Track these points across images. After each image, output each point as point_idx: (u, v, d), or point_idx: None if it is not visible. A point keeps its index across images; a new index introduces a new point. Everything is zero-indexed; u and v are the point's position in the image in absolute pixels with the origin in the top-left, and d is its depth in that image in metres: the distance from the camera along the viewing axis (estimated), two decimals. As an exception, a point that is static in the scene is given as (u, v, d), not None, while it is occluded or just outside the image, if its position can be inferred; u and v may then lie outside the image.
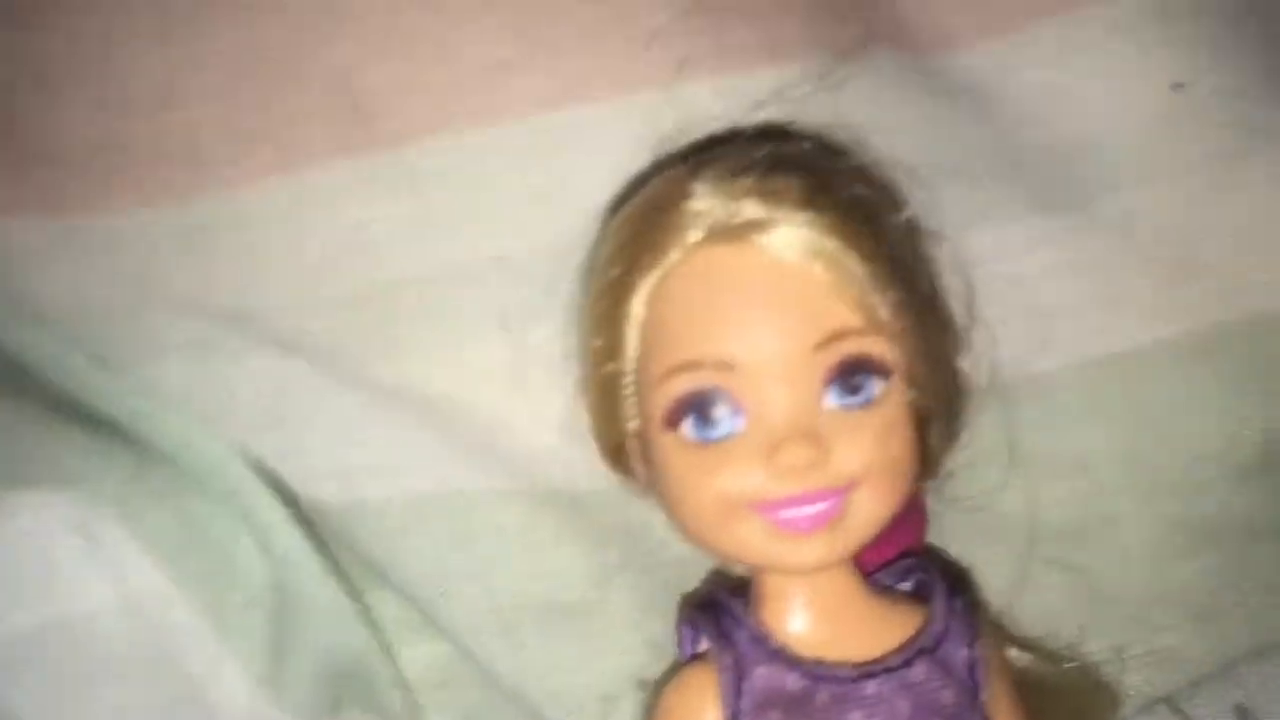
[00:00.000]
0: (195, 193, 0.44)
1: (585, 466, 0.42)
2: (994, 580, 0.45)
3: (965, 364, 0.41)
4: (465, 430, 0.44)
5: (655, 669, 0.42)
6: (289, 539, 0.44)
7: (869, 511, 0.35)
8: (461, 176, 0.43)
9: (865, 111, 0.42)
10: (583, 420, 0.41)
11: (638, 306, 0.36)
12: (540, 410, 0.43)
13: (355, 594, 0.46)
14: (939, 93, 0.45)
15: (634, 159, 0.41)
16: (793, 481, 0.34)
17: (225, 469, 0.44)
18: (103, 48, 0.44)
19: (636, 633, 0.44)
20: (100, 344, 0.45)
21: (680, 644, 0.39)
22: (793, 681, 0.36)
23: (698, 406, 0.35)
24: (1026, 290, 0.45)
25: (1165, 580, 0.46)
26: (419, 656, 0.47)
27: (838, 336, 0.35)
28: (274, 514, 0.44)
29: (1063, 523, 0.45)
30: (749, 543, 0.35)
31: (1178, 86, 0.44)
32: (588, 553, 0.44)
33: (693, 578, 0.43)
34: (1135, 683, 0.46)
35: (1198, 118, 0.45)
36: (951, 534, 0.44)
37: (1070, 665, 0.44)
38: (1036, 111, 0.45)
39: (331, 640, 0.44)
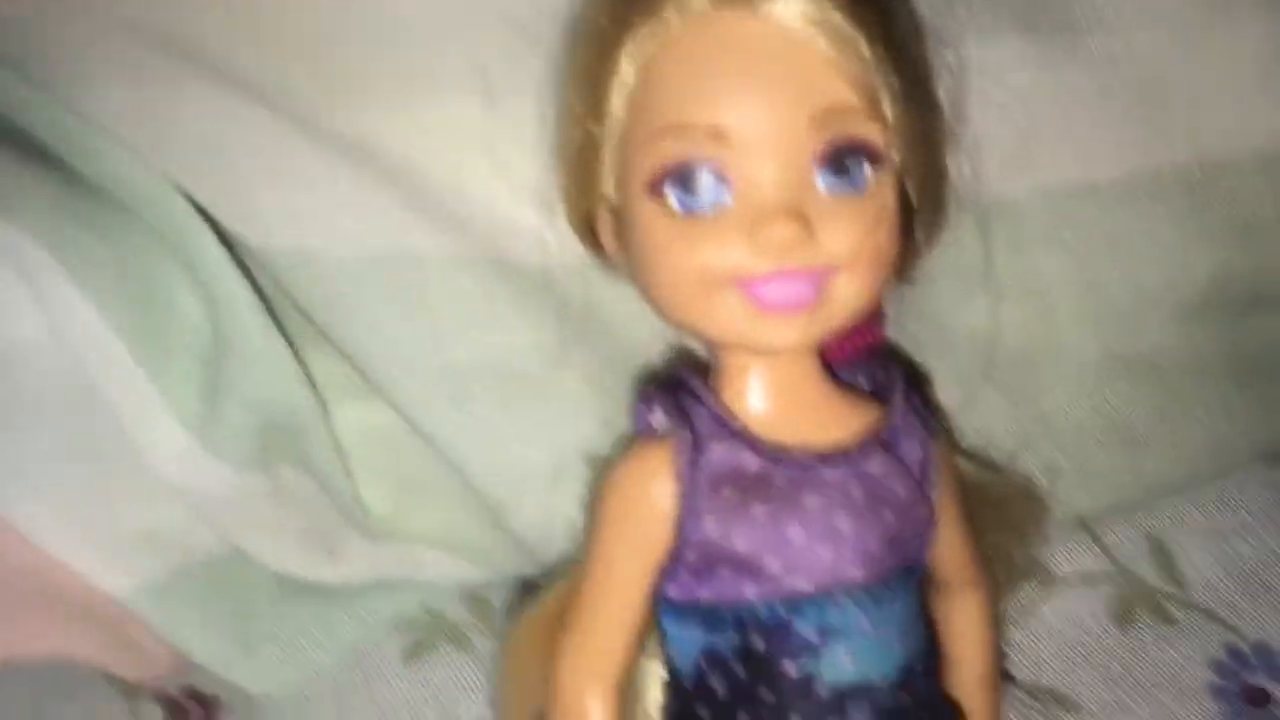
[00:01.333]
0: None
1: (549, 237, 0.41)
2: (943, 392, 0.46)
3: (952, 168, 0.40)
4: (425, 190, 0.43)
5: (607, 446, 0.43)
6: (228, 282, 0.43)
7: (848, 298, 0.35)
8: None
9: None
10: (553, 188, 0.40)
11: (627, 68, 0.35)
12: (506, 175, 0.42)
13: (293, 347, 0.45)
14: None
15: None
16: (775, 258, 0.34)
17: (164, 204, 0.43)
18: None
19: (590, 408, 0.44)
20: (35, 60, 0.43)
21: (635, 420, 0.39)
22: (750, 461, 0.36)
23: (683, 174, 0.34)
24: (1002, 111, 0.44)
25: (1103, 406, 0.47)
26: (356, 418, 0.47)
27: (835, 114, 0.34)
28: (213, 255, 0.43)
29: (1014, 343, 0.46)
30: (725, 319, 0.35)
31: None
32: (546, 325, 0.43)
33: (652, 357, 0.44)
34: (1061, 502, 0.48)
35: None
36: (908, 342, 0.45)
37: (1007, 477, 0.46)
38: None
39: (266, 392, 0.44)
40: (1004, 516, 0.45)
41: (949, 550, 0.40)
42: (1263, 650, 0.47)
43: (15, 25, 0.43)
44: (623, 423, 0.41)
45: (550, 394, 0.44)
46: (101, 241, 0.42)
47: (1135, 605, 0.48)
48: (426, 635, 0.50)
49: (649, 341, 0.43)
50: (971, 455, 0.45)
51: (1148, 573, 0.49)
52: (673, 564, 0.36)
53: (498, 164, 0.42)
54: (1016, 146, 0.44)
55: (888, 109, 0.34)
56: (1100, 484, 0.49)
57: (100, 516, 0.45)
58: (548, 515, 0.45)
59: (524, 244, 0.43)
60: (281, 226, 0.42)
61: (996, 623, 0.43)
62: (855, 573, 0.35)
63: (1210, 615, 0.47)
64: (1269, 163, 0.46)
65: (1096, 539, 0.50)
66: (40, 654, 0.46)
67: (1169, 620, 0.47)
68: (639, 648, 0.38)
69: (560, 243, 0.41)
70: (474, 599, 0.51)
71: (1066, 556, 0.49)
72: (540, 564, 0.47)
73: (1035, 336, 0.46)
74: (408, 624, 0.50)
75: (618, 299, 0.42)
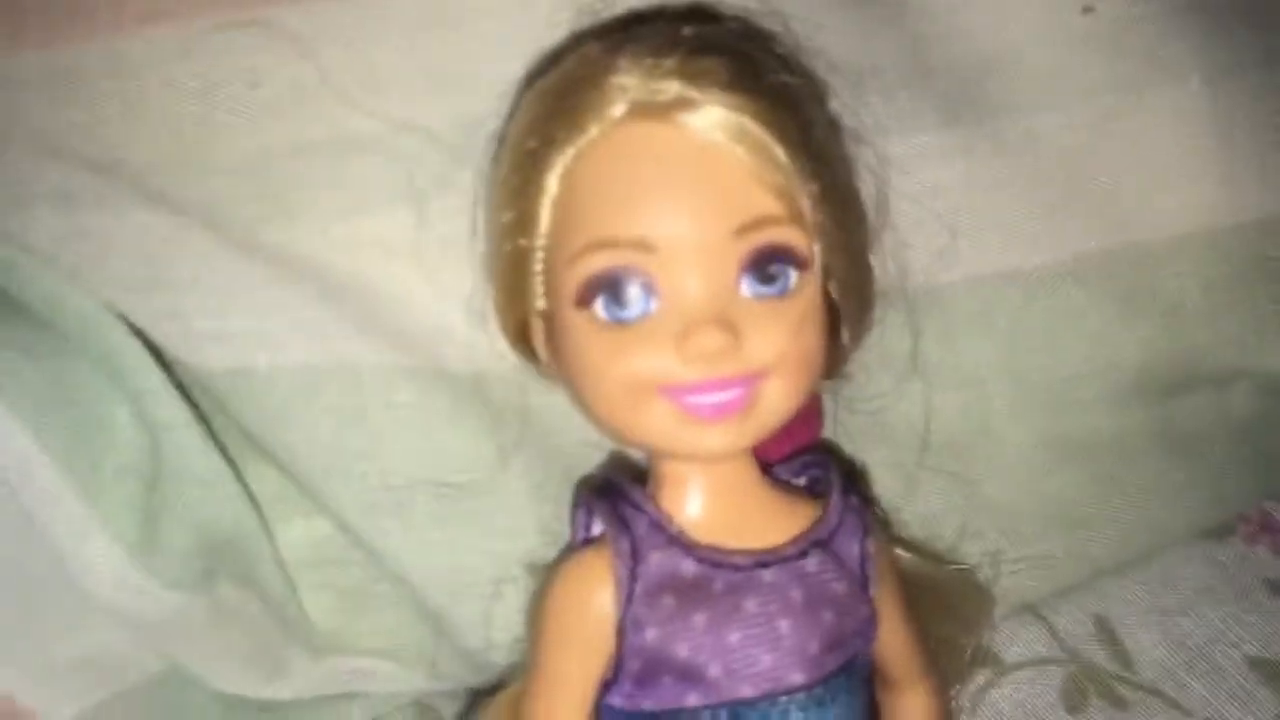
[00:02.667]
0: (69, 37, 0.42)
1: (484, 346, 0.42)
2: (882, 482, 0.46)
3: (876, 265, 0.41)
4: (359, 303, 0.43)
5: (547, 554, 0.43)
6: (166, 405, 0.43)
7: (777, 402, 0.35)
8: (358, 39, 0.42)
9: (794, 7, 0.42)
10: (485, 297, 0.40)
11: (552, 181, 0.36)
12: (439, 286, 0.43)
13: (234, 466, 0.45)
14: None
15: (542, 29, 0.40)
16: (703, 367, 0.34)
17: (99, 329, 0.43)
18: None
19: (529, 516, 0.44)
20: None
21: (574, 528, 0.39)
22: (689, 567, 0.36)
23: (612, 286, 0.34)
24: (929, 202, 0.45)
25: (1039, 492, 0.48)
26: (298, 533, 0.47)
27: (758, 223, 0.34)
28: (151, 378, 0.43)
29: (949, 431, 0.47)
30: (655, 427, 0.35)
31: (1088, 9, 0.46)
32: (483, 434, 0.44)
33: (589, 463, 0.44)
34: (1006, 587, 0.48)
35: (1104, 43, 0.46)
36: (845, 436, 0.46)
37: (950, 567, 0.46)
38: (953, 25, 0.46)
39: (208, 512, 0.44)
40: (949, 607, 0.45)
41: (894, 646, 0.40)
42: (1214, 729, 0.47)
43: None
44: (562, 529, 0.41)
45: (489, 502, 0.44)
46: (37, 368, 0.42)
47: (1086, 689, 0.48)
48: (376, 749, 0.49)
49: (586, 447, 0.43)
50: (913, 547, 0.45)
51: (1096, 655, 0.49)
52: (616, 673, 0.36)
53: (430, 276, 0.43)
54: (943, 236, 0.45)
55: (809, 214, 0.35)
56: (1042, 567, 0.49)
57: (32, 646, 0.44)
58: (490, 623, 0.45)
59: (458, 353, 0.43)
60: (219, 347, 0.42)
61: (947, 716, 0.42)
62: (797, 677, 0.36)
63: (1160, 695, 0.47)
64: (1190, 245, 0.48)
65: (1045, 623, 0.49)
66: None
67: (1120, 703, 0.47)
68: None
69: (494, 351, 0.41)
70: (423, 710, 0.50)
71: (1015, 642, 0.49)
72: (486, 673, 0.46)
73: (970, 424, 0.47)
74: (358, 738, 0.49)
75: (553, 405, 0.42)
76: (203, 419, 0.44)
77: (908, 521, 0.47)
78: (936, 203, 0.45)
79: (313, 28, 0.42)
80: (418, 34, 0.42)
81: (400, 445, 0.43)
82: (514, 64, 0.41)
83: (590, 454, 0.44)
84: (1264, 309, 0.48)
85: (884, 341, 0.44)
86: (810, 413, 0.41)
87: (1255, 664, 0.47)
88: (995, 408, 0.47)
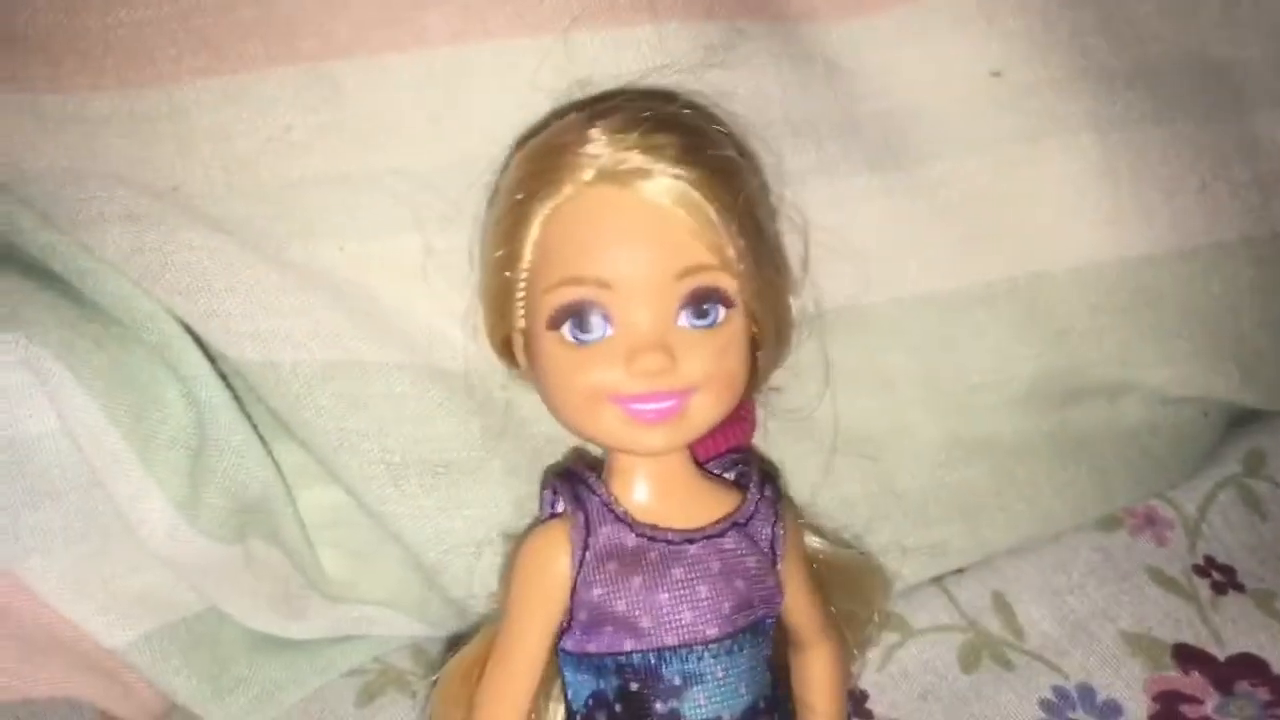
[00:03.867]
0: (138, 83, 0.47)
1: (471, 349, 0.49)
2: (806, 472, 0.52)
3: (796, 301, 0.47)
4: (369, 310, 0.49)
5: (519, 522, 0.49)
6: (210, 389, 0.49)
7: (705, 412, 0.42)
8: (375, 94, 0.47)
9: (733, 69, 0.48)
10: (476, 314, 0.47)
11: (535, 227, 0.42)
12: (436, 299, 0.49)
13: (263, 441, 0.51)
14: (798, 58, 0.51)
15: (529, 93, 0.47)
16: (646, 382, 0.41)
17: (157, 325, 0.48)
18: None
19: (505, 491, 0.50)
20: (49, 207, 0.48)
21: (542, 505, 0.45)
22: (630, 540, 0.43)
23: (577, 314, 0.41)
24: (855, 236, 0.51)
25: (943, 483, 0.54)
26: (315, 499, 0.53)
27: (694, 270, 0.41)
28: (198, 366, 0.49)
29: (867, 429, 0.53)
30: (607, 427, 0.42)
31: (996, 74, 0.52)
32: (468, 421, 0.50)
33: (554, 449, 0.50)
34: (912, 568, 0.55)
35: (1008, 101, 0.52)
36: (776, 435, 0.52)
37: (854, 552, 0.52)
38: (879, 84, 0.52)
39: (241, 478, 0.50)
40: (852, 585, 0.51)
41: (799, 613, 0.46)
42: (1085, 690, 0.52)
43: (37, 178, 0.48)
44: (532, 502, 0.47)
45: (471, 477, 0.50)
46: (104, 354, 0.47)
47: (981, 652, 0.53)
48: (376, 682, 0.55)
49: (552, 436, 0.49)
50: (822, 532, 0.51)
51: (992, 624, 0.54)
52: (568, 622, 0.43)
53: (432, 292, 0.49)
54: (867, 264, 0.51)
55: (736, 263, 0.41)
56: (944, 553, 0.55)
57: (101, 581, 0.49)
58: (472, 579, 0.50)
59: (450, 353, 0.49)
60: (252, 343, 0.48)
61: (844, 673, 0.48)
62: (711, 631, 0.42)
63: (1042, 660, 0.53)
64: (1081, 275, 0.53)
65: (948, 595, 0.55)
66: (49, 696, 0.50)
67: (1008, 665, 0.53)
68: (543, 690, 0.44)
69: (477, 353, 0.48)
70: (417, 651, 0.56)
71: (922, 610, 0.55)
72: (470, 619, 0.52)
73: (886, 423, 0.53)
74: (360, 672, 0.55)
75: (527, 402, 0.48)
76: (238, 401, 0.50)
77: (827, 505, 0.52)
78: (863, 236, 0.51)
79: (337, 82, 0.47)
80: (425, 90, 0.48)
81: (398, 428, 0.49)
82: (499, 119, 0.47)
83: (555, 443, 0.50)
84: (1145, 332, 0.54)
85: (811, 356, 0.50)
86: (742, 417, 0.48)
87: (1127, 637, 0.53)
88: (908, 410, 0.53)
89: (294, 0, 0.47)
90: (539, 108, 0.47)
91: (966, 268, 0.53)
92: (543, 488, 0.46)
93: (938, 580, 0.56)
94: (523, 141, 0.46)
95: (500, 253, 0.43)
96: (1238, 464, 0.61)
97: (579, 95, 0.47)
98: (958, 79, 0.52)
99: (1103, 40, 0.53)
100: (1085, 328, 0.54)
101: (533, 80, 0.47)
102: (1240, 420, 0.62)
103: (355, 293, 0.49)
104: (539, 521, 0.45)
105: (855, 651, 0.51)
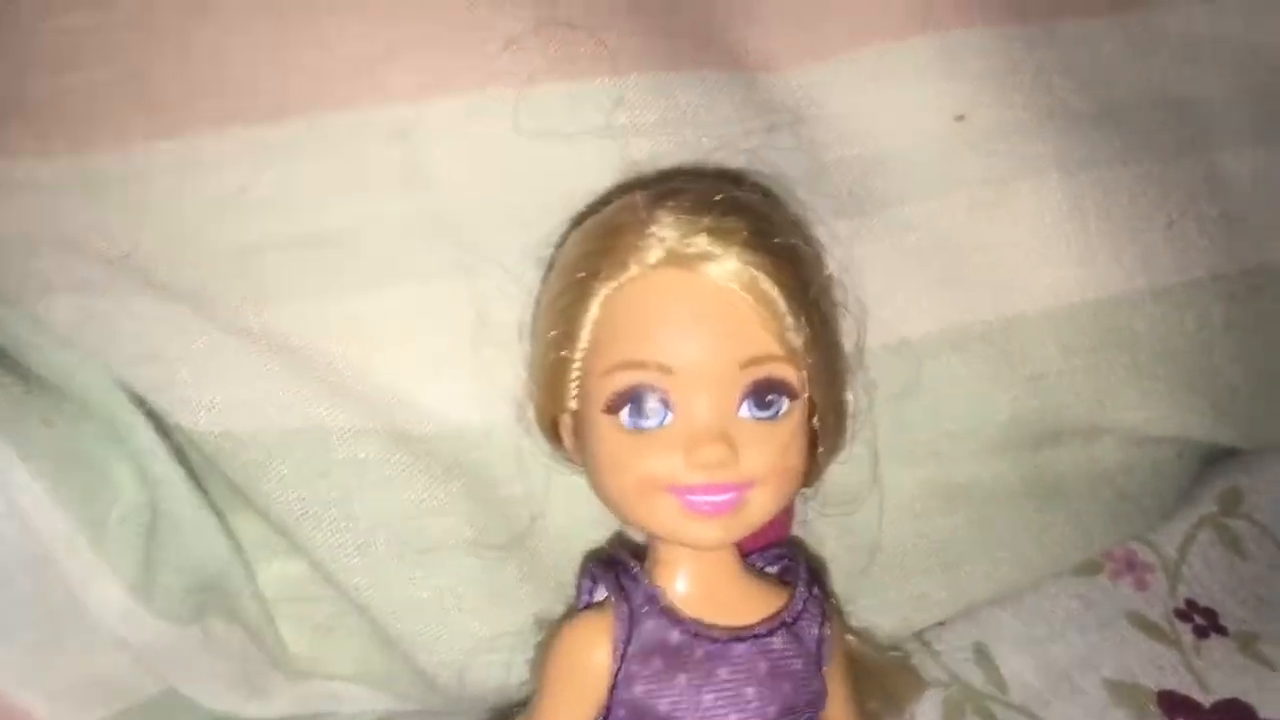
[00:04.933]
0: (89, 147, 0.47)
1: (434, 411, 0.48)
2: None
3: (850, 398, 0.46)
4: (327, 374, 0.48)
5: (485, 586, 0.48)
6: (162, 463, 0.48)
7: (762, 506, 0.41)
8: (330, 152, 0.47)
9: (700, 118, 0.48)
10: (525, 393, 0.46)
11: (595, 306, 0.41)
12: (396, 361, 0.48)
13: (220, 515, 0.50)
14: (762, 106, 0.51)
15: (487, 149, 0.46)
16: (705, 473, 0.39)
17: (106, 398, 0.48)
18: (10, 6, 0.47)
19: (475, 559, 0.49)
20: None
21: (579, 592, 0.45)
22: (675, 636, 0.41)
23: (636, 399, 0.40)
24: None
25: (920, 534, 0.53)
26: (276, 572, 0.52)
27: (759, 360, 0.40)
28: (149, 440, 0.48)
29: (840, 482, 0.50)
30: (661, 518, 0.40)
31: (960, 118, 0.51)
32: (434, 485, 0.49)
33: (522, 513, 0.49)
34: (893, 623, 0.54)
35: (974, 145, 0.52)
36: None
37: (888, 652, 0.52)
38: (843, 130, 0.51)
39: (197, 556, 0.49)
40: (887, 687, 0.50)
41: (837, 717, 0.45)
42: (1071, 744, 0.51)
43: None
44: (495, 561, 0.46)
45: (440, 545, 0.49)
46: (53, 434, 0.47)
47: (964, 707, 0.52)
48: (349, 766, 0.53)
49: (521, 499, 0.49)
50: (858, 633, 0.50)
51: (974, 677, 0.53)
52: (604, 719, 0.41)
53: (393, 354, 0.48)
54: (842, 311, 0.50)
55: (803, 356, 0.40)
56: (924, 605, 0.54)
57: (53, 666, 0.48)
58: (440, 646, 0.49)
59: (415, 418, 0.48)
60: (206, 413, 0.47)
61: None
62: None
63: (1026, 714, 0.52)
64: (1053, 318, 0.53)
65: (929, 649, 0.54)
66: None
67: None
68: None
69: (441, 414, 0.47)
70: None
71: None
72: (442, 693, 0.51)
73: (862, 474, 0.51)
74: (331, 756, 0.53)
75: (491, 461, 0.48)
76: (193, 474, 0.49)
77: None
78: (839, 282, 0.49)
79: (293, 140, 0.47)
80: (384, 146, 0.47)
81: (362, 495, 0.48)
82: (457, 176, 0.47)
83: (523, 505, 0.49)
84: (1118, 373, 0.54)
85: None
86: (784, 514, 0.46)
87: (1110, 686, 0.52)
88: (881, 458, 0.52)
89: (248, 58, 0.47)
90: (501, 163, 0.47)
91: (938, 312, 0.53)
92: (581, 575, 0.45)
93: (918, 635, 0.55)
94: (581, 218, 0.45)
95: (555, 332, 0.42)
96: (1214, 503, 0.60)
97: (637, 175, 0.46)
98: (922, 123, 0.52)
99: (1067, 81, 0.53)
100: (1059, 370, 0.53)
101: (495, 134, 0.46)
102: (1214, 459, 0.62)
103: (313, 357, 0.48)
104: (574, 610, 0.44)
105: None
